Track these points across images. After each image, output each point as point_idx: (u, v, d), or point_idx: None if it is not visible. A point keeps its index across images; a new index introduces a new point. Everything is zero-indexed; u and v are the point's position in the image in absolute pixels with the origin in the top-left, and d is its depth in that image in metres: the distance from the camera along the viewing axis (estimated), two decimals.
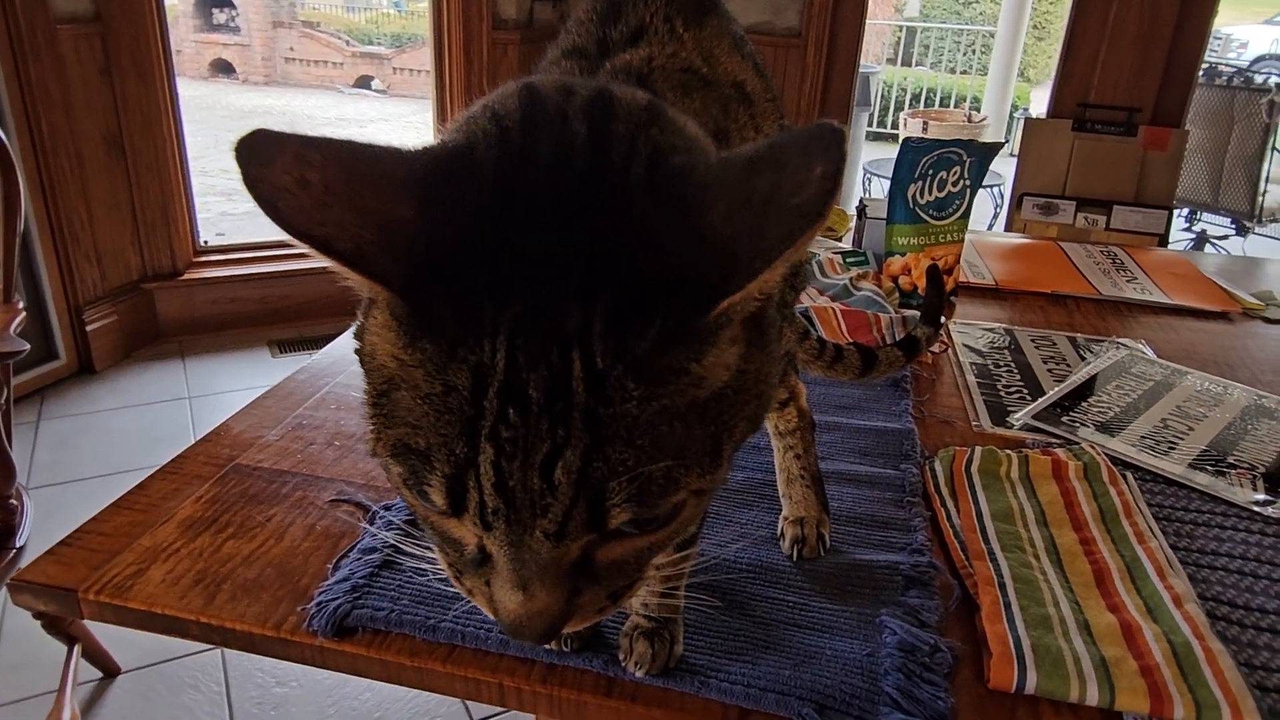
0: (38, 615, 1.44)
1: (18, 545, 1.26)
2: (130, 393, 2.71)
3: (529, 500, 0.36)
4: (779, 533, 0.72)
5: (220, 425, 0.85)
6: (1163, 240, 3.42)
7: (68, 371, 2.73)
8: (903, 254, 1.23)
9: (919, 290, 1.20)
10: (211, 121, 7.23)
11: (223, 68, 8.88)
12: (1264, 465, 0.88)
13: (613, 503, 0.36)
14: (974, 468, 0.82)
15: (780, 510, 0.74)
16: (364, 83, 9.02)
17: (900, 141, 1.20)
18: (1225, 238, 4.52)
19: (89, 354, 2.76)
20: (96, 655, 1.57)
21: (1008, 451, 0.84)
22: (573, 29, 0.57)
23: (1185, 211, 4.55)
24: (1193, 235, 4.62)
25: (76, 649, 1.50)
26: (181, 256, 3.02)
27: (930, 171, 1.20)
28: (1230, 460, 0.88)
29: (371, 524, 0.71)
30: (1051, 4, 9.37)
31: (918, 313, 1.03)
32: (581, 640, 0.59)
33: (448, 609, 0.62)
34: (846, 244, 1.46)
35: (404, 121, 7.68)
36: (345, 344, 1.04)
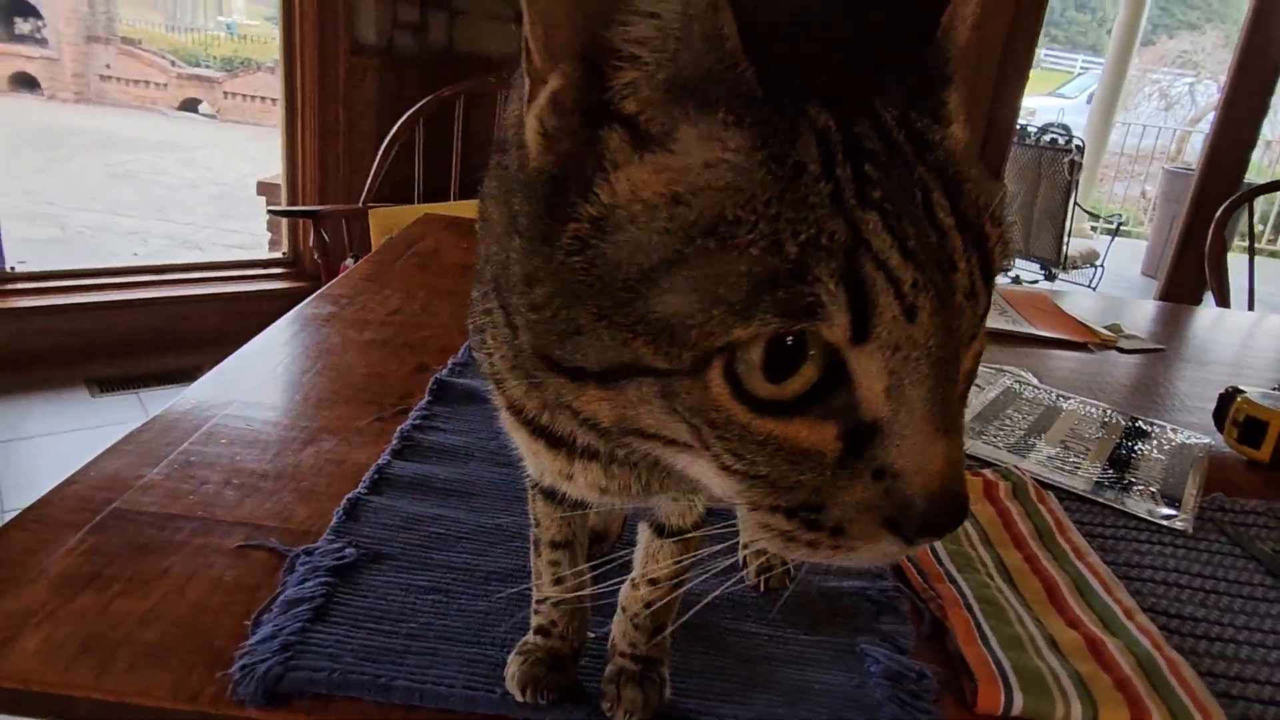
0: None
1: None
2: None
3: (937, 259, 0.30)
4: (741, 562, 0.69)
5: (87, 465, 0.73)
6: None
7: None
8: None
9: None
10: (11, 140, 6.54)
11: (25, 82, 8.06)
12: (1156, 483, 0.94)
13: (990, 241, 0.32)
14: None
15: (738, 538, 0.71)
16: (190, 105, 8.45)
17: None
18: (1035, 282, 4.97)
19: None
20: None
21: None
22: None
23: None
24: (1009, 280, 5.06)
25: None
26: None
27: None
28: (1128, 478, 0.94)
29: (291, 572, 0.62)
30: None
31: None
32: (559, 690, 0.53)
33: (400, 664, 0.55)
34: None
35: (238, 149, 7.23)
36: (228, 372, 0.93)
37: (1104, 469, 0.95)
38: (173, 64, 8.61)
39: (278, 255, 3.40)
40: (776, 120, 0.31)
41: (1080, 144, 4.57)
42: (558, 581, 0.54)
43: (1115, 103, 7.72)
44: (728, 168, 0.30)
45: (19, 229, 4.65)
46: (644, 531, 0.54)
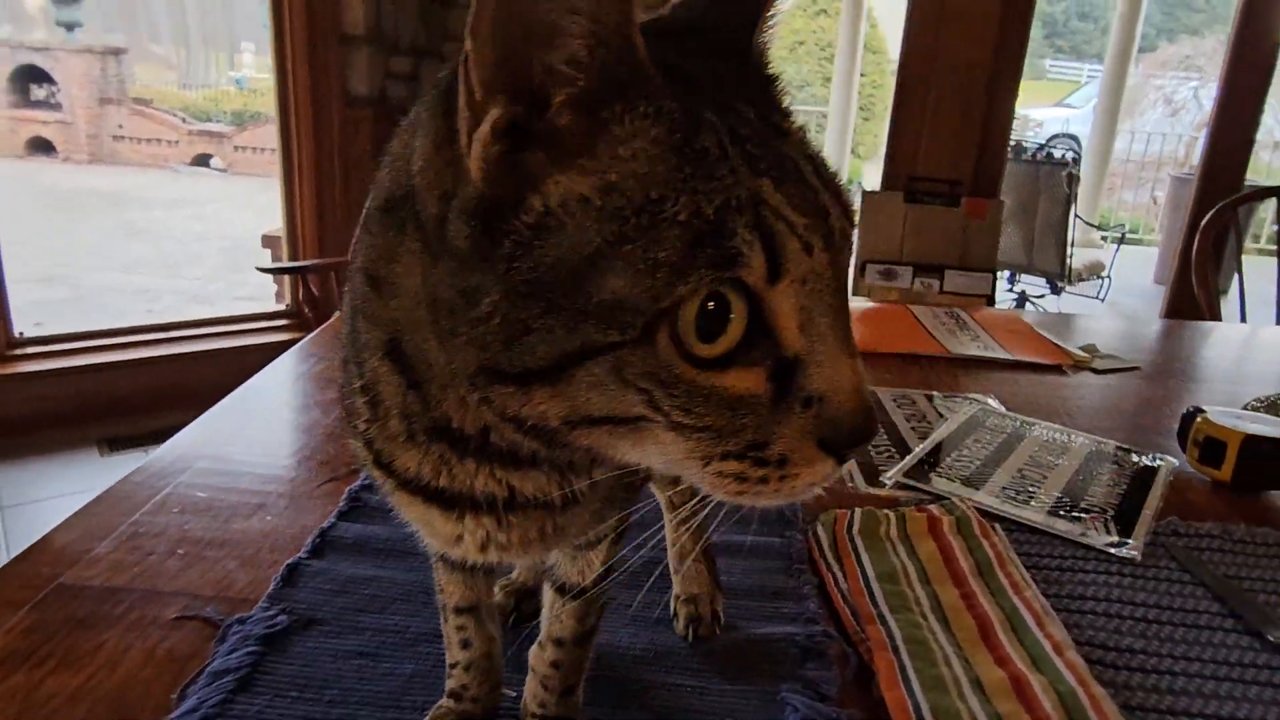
0: None
1: None
2: None
3: (815, 210, 0.37)
4: (672, 613, 0.70)
5: (38, 541, 0.75)
6: (990, 300, 3.70)
7: None
8: None
9: None
10: (27, 203, 6.71)
11: (41, 146, 8.28)
12: (1112, 509, 0.93)
13: (845, 196, 0.39)
14: (855, 530, 0.83)
15: (670, 588, 0.72)
16: (202, 161, 8.64)
17: None
18: (1042, 296, 4.95)
19: None
20: None
21: (885, 511, 0.86)
22: None
23: (1007, 273, 4.97)
24: (1015, 295, 5.03)
25: None
26: None
27: None
28: (1083, 505, 0.93)
29: (223, 642, 0.64)
30: (875, 87, 10.19)
31: None
32: None
33: None
34: None
35: (247, 201, 7.37)
36: (188, 439, 0.96)
37: (1059, 497, 0.95)
38: (184, 121, 8.82)
39: (281, 308, 3.45)
40: (681, 114, 0.36)
41: (1076, 156, 4.56)
42: (465, 645, 0.56)
43: (1118, 110, 7.70)
44: (648, 156, 0.35)
45: (34, 291, 4.77)
46: (547, 592, 0.55)
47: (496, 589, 0.70)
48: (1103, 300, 4.93)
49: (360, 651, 0.64)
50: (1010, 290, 5.08)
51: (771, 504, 0.38)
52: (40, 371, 2.83)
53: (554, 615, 0.55)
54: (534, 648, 0.56)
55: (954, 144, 3.75)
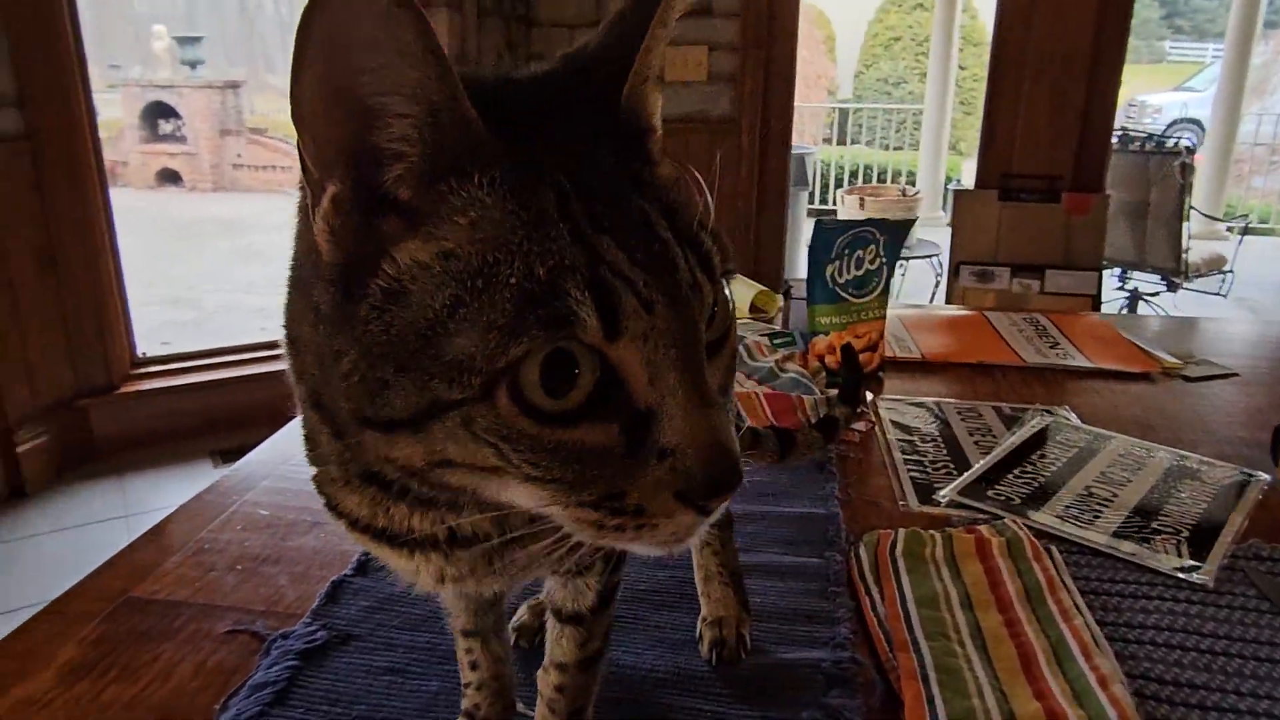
0: None
1: None
2: (64, 515, 2.61)
3: (662, 263, 0.37)
4: (698, 635, 0.70)
5: (116, 555, 0.81)
6: (1096, 300, 3.51)
7: None
8: (826, 333, 1.24)
9: None
10: (157, 231, 7.21)
11: (169, 177, 8.90)
12: (1188, 529, 0.88)
13: (705, 246, 0.39)
14: (898, 551, 0.80)
15: (699, 610, 0.72)
16: None
17: (814, 224, 1.22)
18: (1157, 294, 4.67)
19: (19, 476, 2.66)
20: None
21: (932, 532, 0.83)
22: None
23: (1118, 271, 4.70)
24: (1126, 294, 4.76)
25: None
26: (117, 370, 2.96)
27: (847, 251, 1.22)
28: (1154, 525, 0.88)
29: (266, 655, 0.67)
30: (975, 81, 9.83)
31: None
32: None
33: None
34: (776, 325, 1.47)
35: None
36: (257, 458, 1.01)
37: (1128, 516, 0.90)
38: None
39: None
40: (520, 179, 0.37)
41: (1191, 144, 4.28)
42: (474, 667, 0.57)
43: (1242, 92, 7.21)
44: (485, 221, 0.36)
45: (164, 314, 5.12)
46: (550, 615, 0.56)
47: (524, 608, 0.71)
48: (1224, 296, 4.61)
49: (391, 668, 0.66)
50: (1121, 288, 4.81)
51: (641, 549, 0.39)
52: (160, 389, 3.03)
53: (554, 639, 0.55)
54: (540, 671, 0.57)
55: (1051, 138, 3.58)
